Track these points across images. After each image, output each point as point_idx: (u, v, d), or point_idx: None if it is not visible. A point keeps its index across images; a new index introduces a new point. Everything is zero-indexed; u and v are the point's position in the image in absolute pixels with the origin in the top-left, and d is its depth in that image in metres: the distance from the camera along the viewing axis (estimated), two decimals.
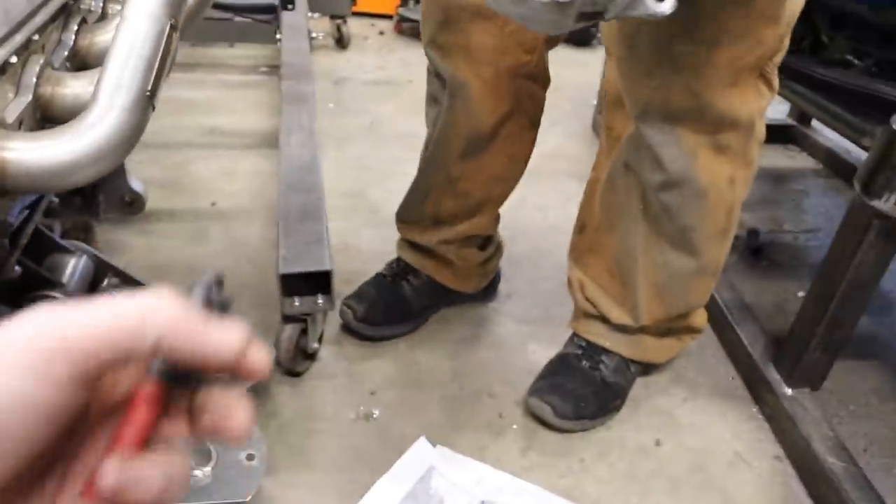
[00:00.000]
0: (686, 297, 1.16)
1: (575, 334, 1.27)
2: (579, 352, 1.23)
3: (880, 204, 0.98)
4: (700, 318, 1.24)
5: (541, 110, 1.22)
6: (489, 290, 1.45)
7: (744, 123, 0.96)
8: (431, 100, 1.25)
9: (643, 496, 1.08)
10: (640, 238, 1.10)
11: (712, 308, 1.45)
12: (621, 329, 1.20)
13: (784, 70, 1.26)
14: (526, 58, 1.11)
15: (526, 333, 1.39)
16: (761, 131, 1.01)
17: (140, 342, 0.25)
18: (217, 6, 2.25)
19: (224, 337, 0.27)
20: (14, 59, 0.69)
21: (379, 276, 1.38)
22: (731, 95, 0.93)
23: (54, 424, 0.25)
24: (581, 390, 1.18)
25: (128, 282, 0.98)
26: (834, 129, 1.20)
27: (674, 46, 0.90)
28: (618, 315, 1.18)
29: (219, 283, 0.30)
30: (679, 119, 0.96)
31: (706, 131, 0.96)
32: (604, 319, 1.21)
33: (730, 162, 1.00)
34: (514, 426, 1.18)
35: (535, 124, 1.23)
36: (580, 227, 1.23)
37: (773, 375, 1.24)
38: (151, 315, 0.26)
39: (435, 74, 1.20)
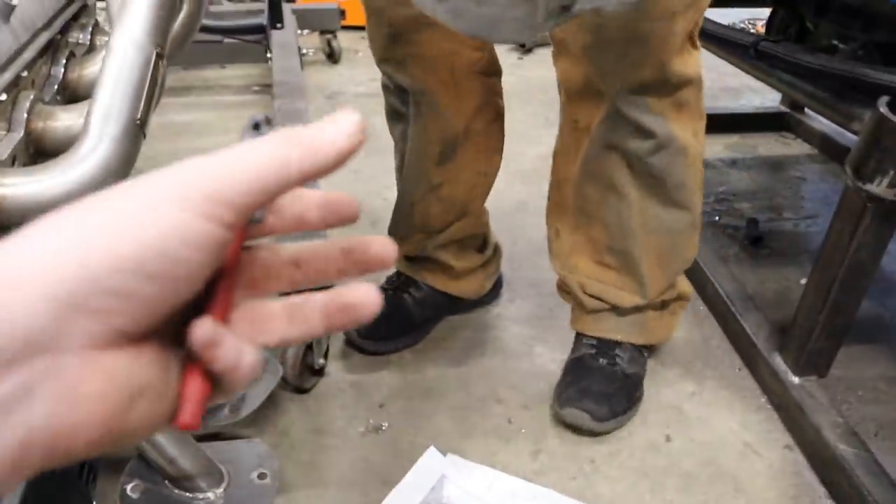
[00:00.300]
0: (683, 255, 1.20)
1: (582, 334, 1.27)
2: (593, 351, 1.24)
3: (873, 187, 0.98)
4: (685, 285, 1.28)
5: (501, 100, 1.25)
6: (492, 296, 1.46)
7: (695, 80, 1.05)
8: (393, 115, 1.28)
9: (656, 493, 1.08)
10: (634, 212, 1.13)
11: (715, 299, 1.46)
12: (632, 313, 1.22)
13: (772, 58, 1.27)
14: (477, 55, 1.15)
15: (531, 337, 1.39)
16: (703, 85, 1.11)
17: (285, 179, 0.26)
18: (206, 29, 2.26)
19: (341, 130, 0.27)
20: (4, 97, 0.70)
21: (380, 289, 1.38)
22: (679, 59, 1.02)
23: (216, 263, 0.26)
24: (608, 389, 1.19)
25: None
26: (823, 115, 1.20)
27: (641, 25, 0.96)
28: (627, 299, 1.20)
29: (268, 121, 0.32)
30: (648, 90, 1.03)
31: (668, 94, 1.04)
32: (613, 309, 1.22)
33: (689, 117, 1.08)
34: (523, 430, 1.18)
35: (500, 115, 1.26)
36: (555, 233, 1.24)
37: (780, 364, 1.24)
38: (289, 151, 0.26)
39: (393, 89, 1.23)
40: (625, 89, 1.03)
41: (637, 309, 1.22)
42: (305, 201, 0.30)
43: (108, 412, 0.23)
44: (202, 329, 0.25)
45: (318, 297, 0.30)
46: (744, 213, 1.82)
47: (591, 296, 1.22)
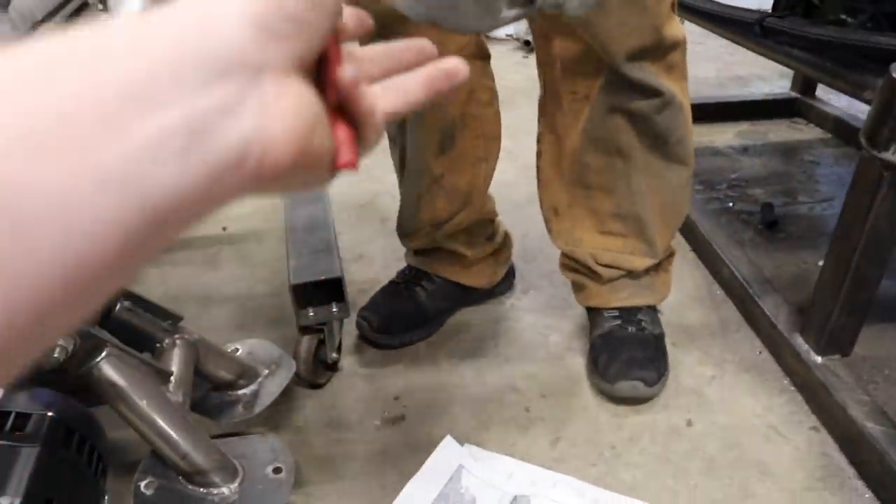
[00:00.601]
0: (682, 209, 1.23)
1: (601, 308, 1.27)
2: (618, 322, 1.24)
3: (888, 156, 0.96)
4: (671, 241, 1.30)
5: (493, 83, 1.25)
6: (505, 287, 1.44)
7: (681, 42, 1.08)
8: None
9: (679, 477, 1.06)
10: (641, 174, 1.14)
11: (731, 283, 1.44)
12: (644, 275, 1.24)
13: (778, 34, 1.26)
14: (464, 39, 1.15)
15: (546, 326, 1.37)
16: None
17: None
18: None
19: None
20: None
21: (392, 283, 1.38)
22: (669, 23, 1.04)
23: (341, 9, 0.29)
24: (648, 354, 1.21)
25: (139, 303, 0.98)
26: (833, 87, 1.18)
27: None
28: (639, 262, 1.22)
29: None
30: (645, 55, 1.04)
31: (661, 57, 1.06)
32: (629, 275, 1.23)
33: (677, 78, 1.10)
34: (542, 419, 1.16)
35: (494, 97, 1.25)
36: (553, 213, 1.24)
37: (801, 345, 1.22)
38: None
39: None
40: (624, 56, 1.04)
41: (648, 270, 1.24)
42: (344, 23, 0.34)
43: (300, 130, 0.26)
44: (348, 69, 0.29)
45: (413, 74, 0.34)
46: (757, 198, 1.80)
47: (606, 265, 1.21)
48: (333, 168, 0.30)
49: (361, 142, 0.31)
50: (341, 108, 0.30)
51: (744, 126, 2.21)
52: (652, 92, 1.07)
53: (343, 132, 0.30)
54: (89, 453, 0.79)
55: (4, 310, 0.18)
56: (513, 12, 0.44)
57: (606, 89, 1.08)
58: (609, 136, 1.12)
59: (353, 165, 0.31)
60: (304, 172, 0.28)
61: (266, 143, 0.24)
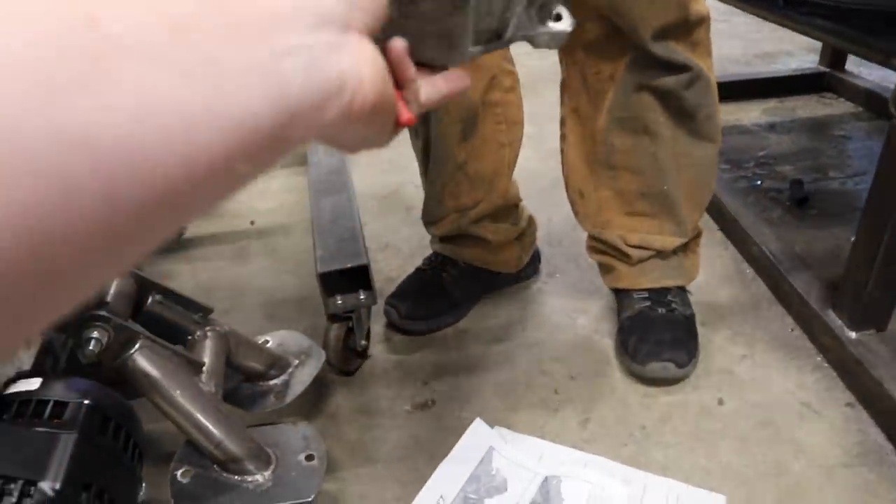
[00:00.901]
0: (709, 187, 1.22)
1: (629, 290, 1.26)
2: (648, 303, 1.23)
3: None
4: (699, 220, 1.28)
5: (514, 68, 1.25)
6: (530, 271, 1.44)
7: (706, 18, 1.07)
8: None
9: (711, 456, 1.05)
10: (669, 152, 1.13)
11: (761, 261, 1.42)
12: (673, 255, 1.24)
13: (802, 5, 1.23)
14: None
15: (573, 309, 1.37)
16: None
17: None
18: None
19: None
20: None
21: (418, 270, 1.38)
22: (693, 0, 1.04)
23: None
24: (679, 335, 1.20)
25: (170, 297, 1.00)
26: (860, 55, 1.16)
27: None
28: (669, 241, 1.21)
29: None
30: (671, 32, 1.04)
31: (688, 34, 1.06)
32: (658, 255, 1.23)
33: (702, 54, 1.10)
34: (571, 400, 1.16)
35: (516, 82, 1.25)
36: (579, 195, 1.24)
37: (834, 321, 1.20)
38: None
39: None
40: (651, 35, 1.03)
41: (677, 250, 1.23)
42: None
43: (380, 78, 0.32)
44: (398, 42, 0.37)
45: (435, 76, 0.42)
46: (786, 175, 1.77)
47: (635, 246, 1.21)
48: (396, 124, 0.36)
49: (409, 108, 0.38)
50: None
51: (771, 103, 2.17)
52: (680, 67, 1.07)
53: (396, 94, 0.36)
54: (125, 440, 0.81)
55: (211, 143, 0.23)
56: (478, 48, 0.45)
57: (632, 68, 1.07)
58: (636, 114, 1.11)
59: (412, 121, 0.37)
60: (378, 119, 0.33)
61: (357, 81, 0.30)
